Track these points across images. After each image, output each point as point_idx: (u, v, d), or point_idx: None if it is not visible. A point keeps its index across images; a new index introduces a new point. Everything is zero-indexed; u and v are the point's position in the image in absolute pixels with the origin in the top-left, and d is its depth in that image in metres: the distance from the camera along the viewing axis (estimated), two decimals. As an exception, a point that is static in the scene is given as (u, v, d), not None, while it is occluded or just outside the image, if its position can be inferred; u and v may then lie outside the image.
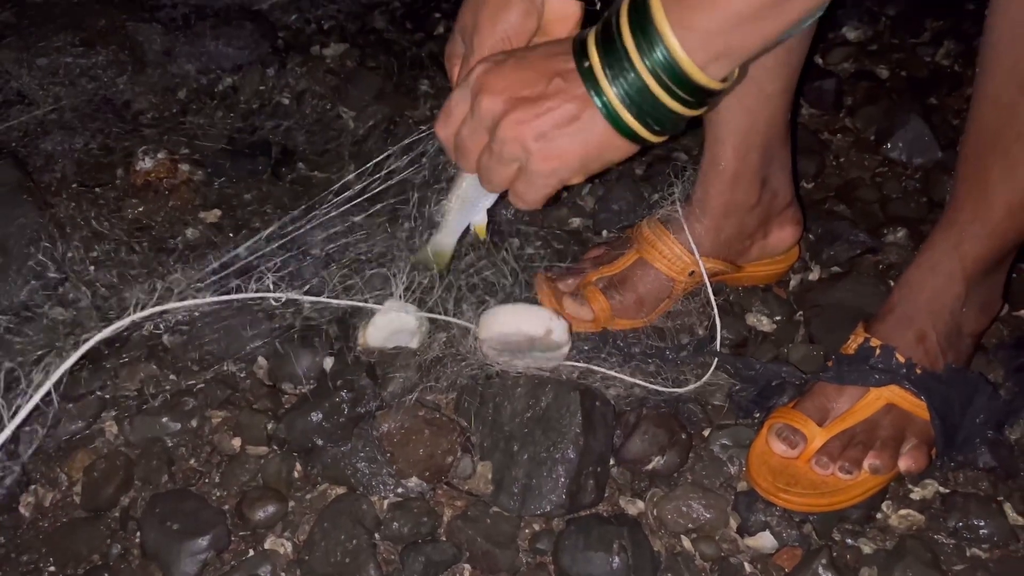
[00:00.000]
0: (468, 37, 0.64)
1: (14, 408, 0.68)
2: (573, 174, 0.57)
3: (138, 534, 0.71)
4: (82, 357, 0.83)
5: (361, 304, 0.81)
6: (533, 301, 0.85)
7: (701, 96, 0.53)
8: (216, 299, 0.79)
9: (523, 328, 0.75)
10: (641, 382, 0.78)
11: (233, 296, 0.79)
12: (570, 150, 0.55)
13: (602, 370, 0.78)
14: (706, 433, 0.77)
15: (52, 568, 0.71)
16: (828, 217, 0.98)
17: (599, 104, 0.53)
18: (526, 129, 0.55)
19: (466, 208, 0.68)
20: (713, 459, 0.75)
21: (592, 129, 0.54)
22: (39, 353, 0.80)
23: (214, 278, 0.84)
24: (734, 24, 0.49)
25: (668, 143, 1.08)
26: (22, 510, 0.74)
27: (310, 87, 1.19)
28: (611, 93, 0.52)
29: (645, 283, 0.82)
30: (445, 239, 0.72)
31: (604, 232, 0.98)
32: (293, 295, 0.75)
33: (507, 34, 0.62)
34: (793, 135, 0.84)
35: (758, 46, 0.51)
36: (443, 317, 0.81)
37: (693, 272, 0.81)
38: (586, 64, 0.53)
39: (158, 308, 0.75)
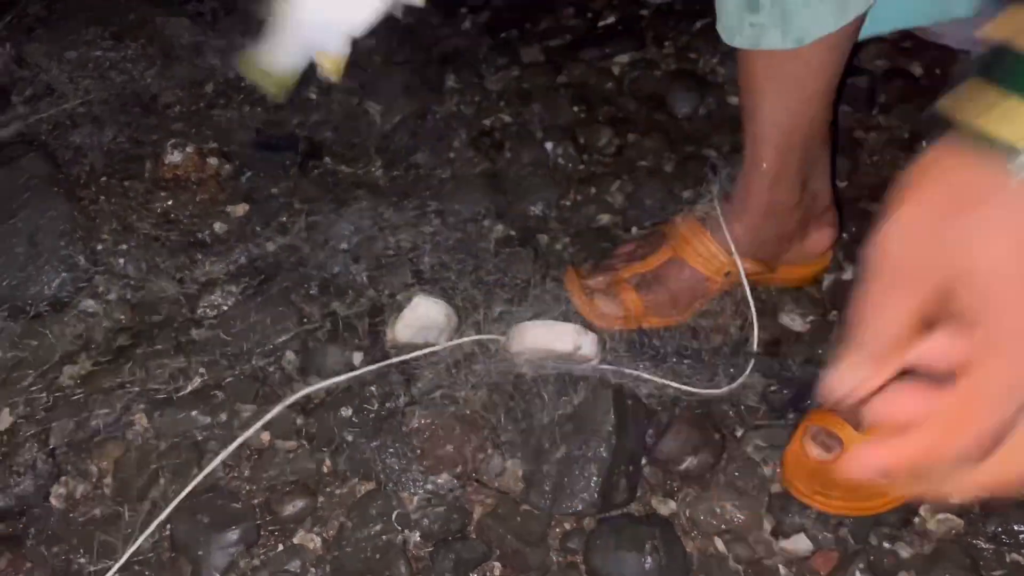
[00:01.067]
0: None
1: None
2: None
3: (168, 527, 0.71)
4: (114, 352, 0.84)
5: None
6: (563, 298, 0.84)
7: None
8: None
9: (552, 346, 0.75)
10: (675, 384, 0.77)
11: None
12: None
13: (636, 372, 0.77)
14: (739, 434, 0.76)
15: (82, 559, 0.71)
16: (862, 216, 0.96)
17: None
18: None
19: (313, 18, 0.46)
20: (747, 460, 0.74)
21: None
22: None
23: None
24: None
25: (698, 139, 1.08)
26: (53, 501, 0.74)
27: (337, 82, 1.19)
28: None
29: (679, 281, 0.81)
30: (279, 57, 0.49)
31: (633, 229, 0.97)
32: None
33: None
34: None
35: None
36: (471, 338, 0.80)
37: (729, 272, 0.80)
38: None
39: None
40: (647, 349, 0.80)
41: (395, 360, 0.79)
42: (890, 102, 1.11)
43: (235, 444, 0.74)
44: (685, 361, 0.79)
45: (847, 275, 0.91)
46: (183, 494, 0.71)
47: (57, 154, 1.04)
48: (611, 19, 1.31)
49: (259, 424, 0.75)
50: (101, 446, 0.77)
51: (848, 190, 1.01)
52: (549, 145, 1.08)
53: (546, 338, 0.75)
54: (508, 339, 0.77)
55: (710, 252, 0.80)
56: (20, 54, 1.16)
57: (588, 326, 0.78)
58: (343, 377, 0.79)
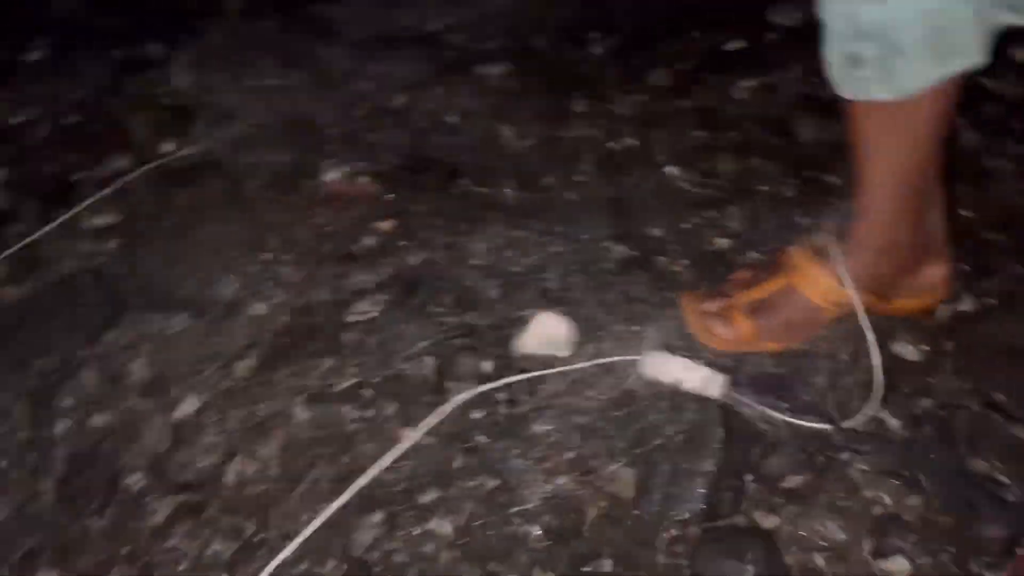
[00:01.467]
0: None
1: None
2: None
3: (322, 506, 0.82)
4: (277, 350, 0.96)
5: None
6: (680, 321, 0.90)
7: None
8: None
9: (681, 381, 0.82)
10: (791, 419, 0.80)
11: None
12: None
13: (750, 403, 0.82)
14: (845, 457, 0.79)
15: (250, 530, 0.82)
16: (985, 247, 0.96)
17: None
18: None
19: None
20: (851, 483, 0.77)
21: None
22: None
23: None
24: None
25: (820, 165, 1.10)
26: (228, 477, 0.86)
27: (474, 106, 1.28)
28: None
29: (792, 310, 0.84)
30: None
31: (750, 253, 1.01)
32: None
33: None
34: (952, 162, 0.83)
35: None
36: (608, 359, 0.87)
37: (842, 304, 0.83)
38: None
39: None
40: (759, 375, 0.85)
41: (528, 376, 0.88)
42: (1023, 130, 1.10)
43: (404, 447, 0.84)
44: (796, 387, 0.83)
45: (965, 306, 0.91)
46: (348, 495, 0.81)
47: (232, 172, 1.19)
48: (738, 43, 1.34)
49: (424, 430, 0.85)
50: (268, 432, 0.89)
51: (972, 219, 1.01)
52: (672, 168, 1.13)
53: (677, 373, 0.82)
54: (641, 363, 0.84)
55: (824, 283, 0.83)
56: (205, 81, 1.33)
57: (713, 363, 0.84)
58: (489, 385, 0.87)
